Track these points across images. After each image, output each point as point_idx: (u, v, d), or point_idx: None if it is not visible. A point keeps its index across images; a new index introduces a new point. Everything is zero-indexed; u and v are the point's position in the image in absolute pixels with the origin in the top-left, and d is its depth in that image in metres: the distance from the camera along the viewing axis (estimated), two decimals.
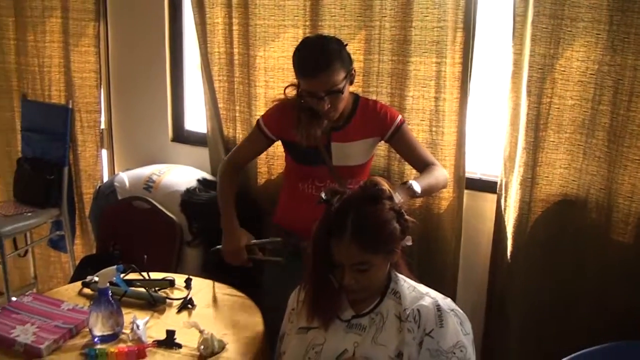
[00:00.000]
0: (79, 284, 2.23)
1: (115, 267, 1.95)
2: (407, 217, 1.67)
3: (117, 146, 3.26)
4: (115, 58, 3.14)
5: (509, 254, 2.32)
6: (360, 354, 1.63)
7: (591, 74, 2.12)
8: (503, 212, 2.36)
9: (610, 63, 2.07)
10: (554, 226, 2.27)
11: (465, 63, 2.32)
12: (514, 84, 2.24)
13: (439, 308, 1.65)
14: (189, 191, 2.73)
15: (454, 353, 1.63)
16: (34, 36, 3.12)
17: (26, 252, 3.34)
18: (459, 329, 1.66)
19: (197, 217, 2.70)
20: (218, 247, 2.26)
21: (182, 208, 2.71)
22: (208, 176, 2.88)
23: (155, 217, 2.69)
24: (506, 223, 2.34)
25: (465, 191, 2.46)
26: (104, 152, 3.27)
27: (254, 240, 2.26)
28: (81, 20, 3.04)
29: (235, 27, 2.69)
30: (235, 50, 2.72)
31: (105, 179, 3.23)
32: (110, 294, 1.89)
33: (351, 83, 2.14)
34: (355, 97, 2.25)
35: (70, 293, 2.18)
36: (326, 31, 2.47)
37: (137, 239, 2.68)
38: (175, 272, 2.52)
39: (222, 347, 1.84)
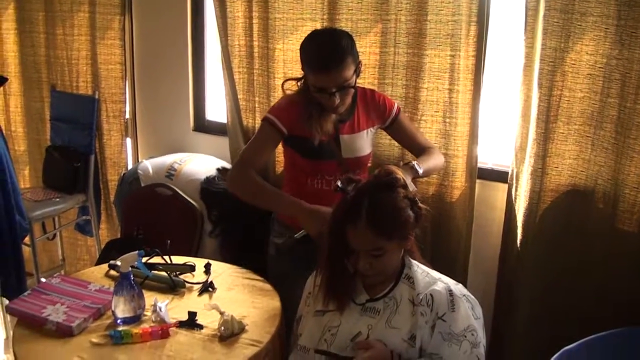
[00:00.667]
0: (104, 266, 2.33)
1: (137, 252, 2.04)
2: (420, 204, 1.75)
3: (141, 135, 3.37)
4: (139, 50, 3.24)
5: (518, 242, 2.38)
6: (374, 337, 1.71)
7: (600, 67, 2.16)
8: (514, 202, 2.41)
9: (618, 57, 2.11)
10: (562, 216, 2.32)
11: (479, 56, 2.37)
12: (525, 76, 2.29)
13: (451, 293, 1.74)
14: (208, 180, 2.82)
15: (465, 336, 1.71)
16: (63, 30, 3.24)
17: (54, 235, 3.48)
18: (470, 313, 1.74)
19: (216, 205, 2.79)
20: (302, 234, 2.08)
21: (202, 196, 2.81)
22: (227, 165, 2.97)
23: (177, 203, 2.79)
24: (516, 212, 2.40)
25: (477, 181, 2.52)
26: (129, 141, 3.39)
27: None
28: (107, 14, 3.15)
29: (255, 21, 2.77)
30: (255, 43, 2.80)
31: (130, 166, 3.34)
32: (133, 278, 1.97)
33: (358, 76, 2.13)
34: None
35: (96, 275, 2.29)
36: (343, 25, 2.54)
37: (159, 224, 2.79)
38: (196, 256, 2.62)
39: (242, 328, 1.94)
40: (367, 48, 2.54)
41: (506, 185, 2.47)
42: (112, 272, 2.29)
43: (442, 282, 1.78)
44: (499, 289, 2.53)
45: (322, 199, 2.08)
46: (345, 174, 2.17)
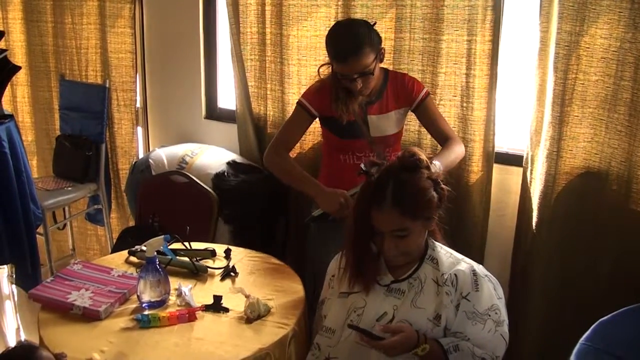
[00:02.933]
0: (124, 253, 2.35)
1: (162, 236, 2.05)
2: (443, 185, 1.78)
3: (152, 124, 3.38)
4: (150, 39, 3.24)
5: (534, 224, 2.41)
6: (399, 317, 1.74)
7: (614, 51, 2.19)
8: (529, 185, 2.45)
9: (632, 40, 2.14)
10: (577, 198, 2.35)
11: (495, 41, 2.40)
12: (540, 60, 2.32)
13: (474, 273, 1.77)
14: (218, 176, 2.84)
15: (489, 315, 1.74)
16: (72, 19, 3.24)
17: (64, 225, 3.47)
18: (493, 293, 1.77)
19: (226, 203, 2.82)
20: (317, 213, 2.27)
21: (214, 191, 2.82)
22: (238, 158, 2.98)
23: (193, 190, 2.80)
24: (532, 195, 2.43)
25: (493, 165, 2.55)
26: (139, 130, 3.39)
27: (352, 190, 2.22)
28: (117, 3, 3.14)
29: (267, 7, 2.79)
30: (268, 30, 2.82)
31: (141, 155, 3.35)
32: (158, 262, 1.99)
33: (381, 61, 2.27)
34: (385, 71, 2.37)
35: (117, 261, 2.30)
36: (358, 10, 2.57)
37: (175, 212, 2.80)
38: (213, 242, 2.62)
39: (268, 310, 1.96)
40: (382, 33, 2.51)
41: (521, 169, 2.49)
42: (132, 259, 2.31)
43: (465, 262, 1.81)
44: (513, 272, 2.57)
45: (353, 173, 2.14)
46: (373, 154, 2.26)
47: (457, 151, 2.31)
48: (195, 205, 2.78)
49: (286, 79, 2.81)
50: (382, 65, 2.34)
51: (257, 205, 2.81)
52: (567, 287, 2.43)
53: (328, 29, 2.64)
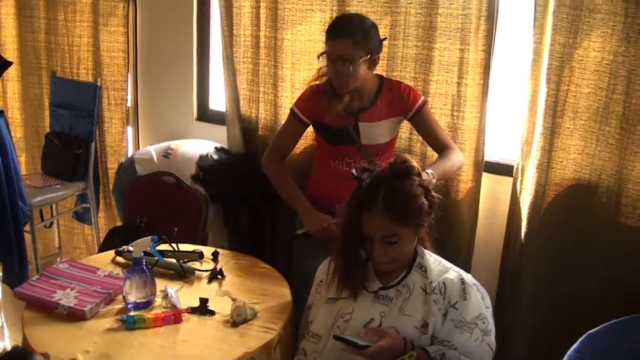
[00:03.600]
0: (111, 252, 2.33)
1: (150, 237, 2.04)
2: (434, 193, 1.79)
3: (143, 124, 3.35)
4: (143, 38, 3.21)
5: (523, 235, 2.42)
6: (387, 324, 1.74)
7: (606, 64, 2.20)
8: (518, 195, 2.45)
9: (625, 54, 2.15)
10: (566, 209, 2.37)
11: (488, 50, 2.41)
12: (533, 71, 2.33)
13: (463, 281, 1.77)
14: (202, 157, 2.84)
15: (476, 324, 1.74)
16: (64, 15, 3.22)
17: (51, 223, 3.44)
18: (481, 302, 1.78)
19: (212, 181, 2.81)
20: (301, 231, 2.33)
21: (198, 172, 2.81)
22: (226, 146, 2.98)
23: (181, 191, 2.79)
24: (521, 205, 2.44)
25: (483, 174, 2.55)
26: (130, 129, 3.37)
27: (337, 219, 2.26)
28: (111, 1, 3.13)
29: (262, 11, 2.78)
30: (262, 33, 2.81)
31: (130, 153, 3.32)
32: (145, 263, 1.97)
33: (369, 67, 2.25)
34: (380, 78, 2.37)
35: (103, 261, 2.28)
36: None
37: (162, 212, 2.78)
38: (200, 244, 2.60)
39: (254, 314, 1.95)
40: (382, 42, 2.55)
41: (511, 179, 2.50)
42: (119, 259, 2.29)
43: (454, 270, 1.81)
44: (501, 281, 2.57)
45: (342, 179, 2.24)
46: (363, 161, 2.28)
47: (453, 159, 2.30)
48: (183, 207, 2.77)
49: (279, 82, 2.80)
50: (377, 72, 2.35)
51: (242, 185, 2.79)
52: (555, 298, 2.44)
53: (323, 33, 2.67)
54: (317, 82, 2.39)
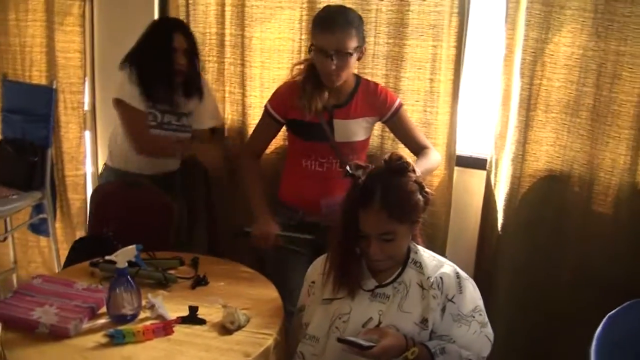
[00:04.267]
0: (82, 265, 2.22)
1: (134, 246, 1.96)
2: (427, 189, 1.80)
3: (101, 128, 3.21)
4: (100, 38, 3.08)
5: (499, 226, 2.47)
6: (386, 322, 1.74)
7: (576, 58, 2.28)
8: (493, 188, 2.50)
9: (595, 48, 2.23)
10: (540, 200, 2.43)
11: (459, 46, 2.44)
12: (506, 66, 2.38)
13: (458, 275, 1.79)
14: None
15: (474, 317, 1.77)
16: (16, 15, 3.03)
17: (5, 237, 3.25)
18: (475, 294, 1.80)
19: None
20: (248, 229, 2.30)
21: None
22: None
23: (150, 197, 2.68)
24: (496, 197, 2.49)
25: (455, 168, 2.59)
26: (87, 134, 3.22)
27: (283, 233, 2.29)
28: None
29: (227, 8, 2.72)
30: (227, 31, 2.76)
31: (88, 161, 3.19)
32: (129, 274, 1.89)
33: (359, 59, 2.25)
34: (357, 77, 2.35)
35: (76, 274, 2.16)
36: None
37: (130, 220, 2.66)
38: (173, 250, 2.53)
39: (247, 320, 1.90)
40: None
41: (483, 172, 2.55)
42: (95, 270, 2.18)
43: (448, 264, 1.83)
44: (477, 272, 2.61)
45: (314, 180, 2.31)
46: (336, 160, 2.27)
47: (432, 160, 2.32)
48: (152, 213, 2.66)
49: (248, 81, 2.75)
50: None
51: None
52: (531, 288, 2.50)
53: (293, 31, 2.65)
54: (289, 79, 2.36)
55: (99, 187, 2.81)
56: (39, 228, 3.20)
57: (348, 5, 2.50)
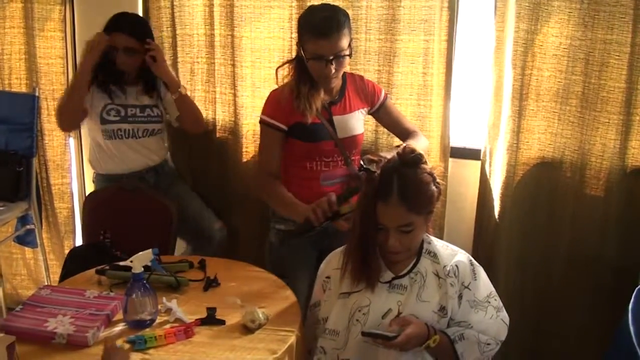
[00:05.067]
0: (87, 273, 2.18)
1: (150, 250, 1.94)
2: (439, 180, 1.84)
3: (85, 134, 3.10)
4: (82, 43, 2.98)
5: (496, 214, 2.53)
6: (405, 312, 1.77)
7: (564, 48, 2.36)
8: (488, 177, 2.57)
9: (582, 38, 2.32)
10: (534, 186, 2.51)
11: (450, 40, 2.49)
12: (497, 58, 2.45)
13: (472, 262, 1.85)
14: None
15: (489, 302, 1.83)
16: None
17: None
18: (487, 280, 1.86)
19: None
20: (307, 222, 2.11)
21: None
22: None
23: (145, 200, 2.65)
24: (492, 187, 2.56)
25: (450, 159, 2.64)
26: (72, 141, 3.14)
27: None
28: (46, 4, 2.90)
29: (216, 9, 2.71)
30: (217, 32, 2.74)
31: (74, 169, 3.12)
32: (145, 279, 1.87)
33: (350, 55, 2.22)
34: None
35: (82, 284, 2.11)
36: None
37: (127, 225, 2.62)
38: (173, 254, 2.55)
39: (267, 318, 1.90)
40: None
41: (477, 162, 2.61)
42: (103, 278, 2.14)
43: (461, 252, 1.88)
44: (475, 259, 2.66)
45: (319, 179, 2.27)
46: (340, 158, 2.31)
47: (422, 144, 2.35)
48: (150, 217, 2.63)
49: (239, 81, 2.74)
50: None
51: None
52: (526, 272, 2.58)
53: (283, 30, 2.65)
54: (276, 87, 2.33)
55: (91, 194, 2.75)
56: (25, 239, 3.11)
57: (337, 3, 2.52)
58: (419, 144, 2.30)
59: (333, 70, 2.15)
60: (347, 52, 2.16)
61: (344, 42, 2.13)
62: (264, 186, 2.32)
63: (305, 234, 2.15)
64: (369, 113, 2.42)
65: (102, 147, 2.70)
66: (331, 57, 2.12)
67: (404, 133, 2.41)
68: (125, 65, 2.61)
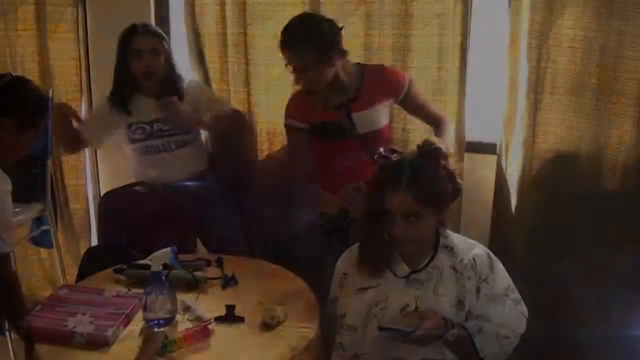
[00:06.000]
0: (105, 273, 2.18)
1: (169, 248, 1.95)
2: (458, 180, 1.82)
3: None
4: (95, 44, 3.02)
5: (513, 207, 2.52)
6: (423, 307, 1.76)
7: (579, 40, 2.35)
8: (504, 171, 2.56)
9: (597, 29, 2.30)
10: (551, 180, 2.50)
11: (464, 34, 2.49)
12: (511, 51, 2.44)
13: (489, 255, 1.83)
14: None
15: (507, 295, 1.81)
16: (5, 25, 2.95)
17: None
18: (505, 274, 1.84)
19: None
20: (343, 213, 2.16)
21: None
22: None
23: (163, 198, 2.64)
24: (508, 180, 2.55)
25: (465, 154, 2.64)
26: None
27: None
28: (58, 6, 2.91)
29: (228, 7, 2.72)
30: (229, 30, 2.75)
31: (88, 169, 3.13)
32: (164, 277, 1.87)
33: (340, 59, 2.25)
34: (360, 66, 2.38)
35: (100, 283, 2.12)
36: (327, 7, 2.58)
37: (145, 224, 2.62)
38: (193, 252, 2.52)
39: (286, 315, 1.89)
40: (351, 31, 2.56)
41: (493, 157, 2.60)
42: (121, 277, 2.15)
43: (478, 246, 1.87)
44: (493, 252, 2.66)
45: (345, 176, 2.22)
46: (365, 154, 2.27)
47: (448, 132, 2.38)
48: (167, 216, 2.62)
49: (252, 79, 2.75)
50: (355, 61, 2.37)
51: None
52: (544, 265, 2.56)
53: None
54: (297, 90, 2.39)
55: (107, 194, 2.76)
56: (40, 240, 3.12)
57: (345, 1, 2.56)
58: (444, 137, 2.31)
59: (298, 80, 2.22)
60: (313, 66, 2.18)
61: (306, 58, 2.17)
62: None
63: (343, 224, 2.19)
64: (397, 103, 2.42)
65: (142, 160, 2.72)
66: (292, 70, 2.19)
67: (431, 119, 2.43)
68: (152, 67, 2.58)
